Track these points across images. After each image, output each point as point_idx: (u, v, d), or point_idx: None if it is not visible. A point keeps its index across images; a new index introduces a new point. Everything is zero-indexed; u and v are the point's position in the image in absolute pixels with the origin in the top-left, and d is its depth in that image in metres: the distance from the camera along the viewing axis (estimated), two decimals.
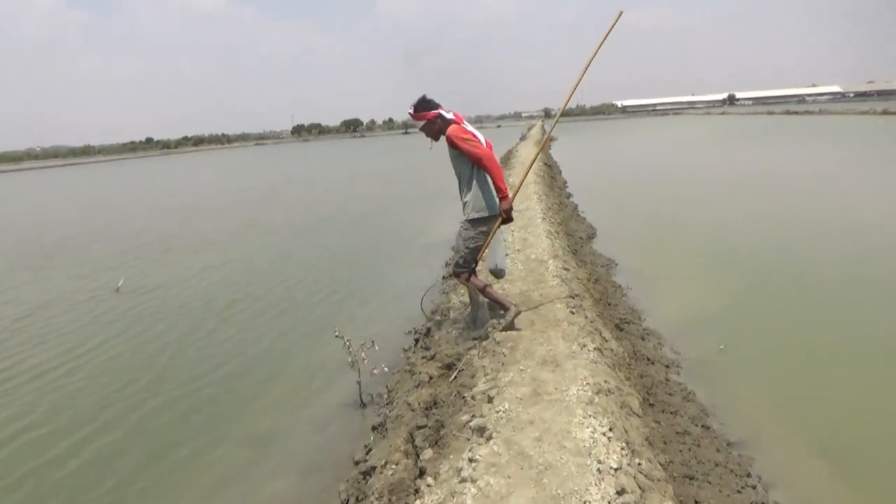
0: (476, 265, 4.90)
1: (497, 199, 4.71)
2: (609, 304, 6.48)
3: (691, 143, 37.92)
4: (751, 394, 4.72)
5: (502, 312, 4.87)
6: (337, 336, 4.54)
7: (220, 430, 4.69)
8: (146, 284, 9.99)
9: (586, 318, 5.11)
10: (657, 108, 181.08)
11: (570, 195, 16.88)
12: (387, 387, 4.84)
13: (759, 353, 5.45)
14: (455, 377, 4.38)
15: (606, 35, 4.68)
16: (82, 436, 4.87)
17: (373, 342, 4.71)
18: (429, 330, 5.77)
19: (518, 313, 4.77)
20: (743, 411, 4.45)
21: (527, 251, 7.55)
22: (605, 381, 3.79)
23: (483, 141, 4.71)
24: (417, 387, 4.25)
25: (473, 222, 4.72)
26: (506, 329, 4.74)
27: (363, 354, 4.57)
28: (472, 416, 3.58)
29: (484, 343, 4.84)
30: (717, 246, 9.78)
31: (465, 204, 4.70)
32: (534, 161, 5.35)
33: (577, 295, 5.72)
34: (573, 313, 5.08)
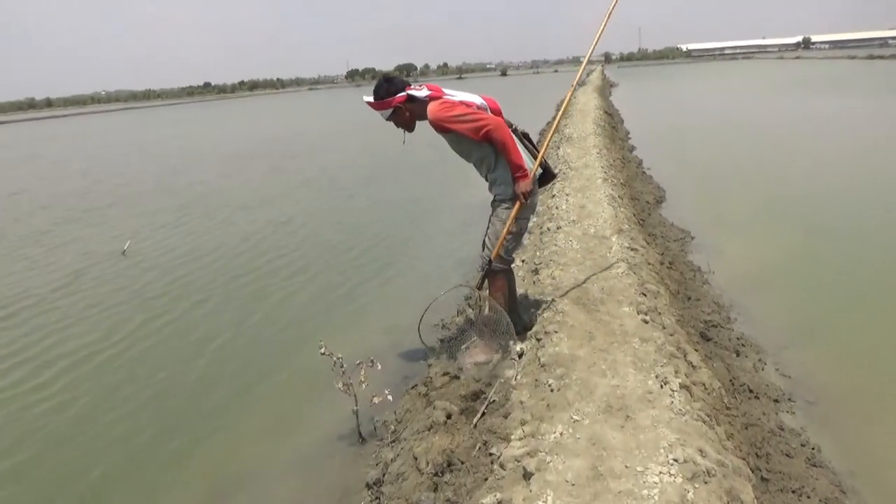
0: (513, 259, 3.68)
1: (531, 161, 3.61)
2: (689, 299, 5.13)
3: (768, 90, 34.73)
4: None
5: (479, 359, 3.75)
6: (323, 353, 3.39)
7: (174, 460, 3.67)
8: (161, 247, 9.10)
9: (664, 328, 3.81)
10: (725, 51, 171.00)
11: (633, 148, 15.16)
12: (395, 413, 3.70)
13: None
14: (481, 416, 3.19)
15: None
16: None
17: (372, 360, 3.53)
18: (461, 331, 4.59)
19: (495, 365, 3.71)
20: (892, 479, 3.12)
21: (584, 223, 6.20)
22: (701, 452, 2.54)
23: (481, 103, 3.50)
24: (430, 430, 3.09)
25: (514, 200, 3.50)
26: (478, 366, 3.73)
27: (362, 375, 3.41)
28: (499, 501, 2.40)
29: (523, 361, 3.63)
30: (826, 218, 8.10)
31: (493, 181, 3.50)
32: (556, 124, 4.22)
33: (649, 291, 4.41)
34: (646, 322, 3.79)
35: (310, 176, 14.95)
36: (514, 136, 3.46)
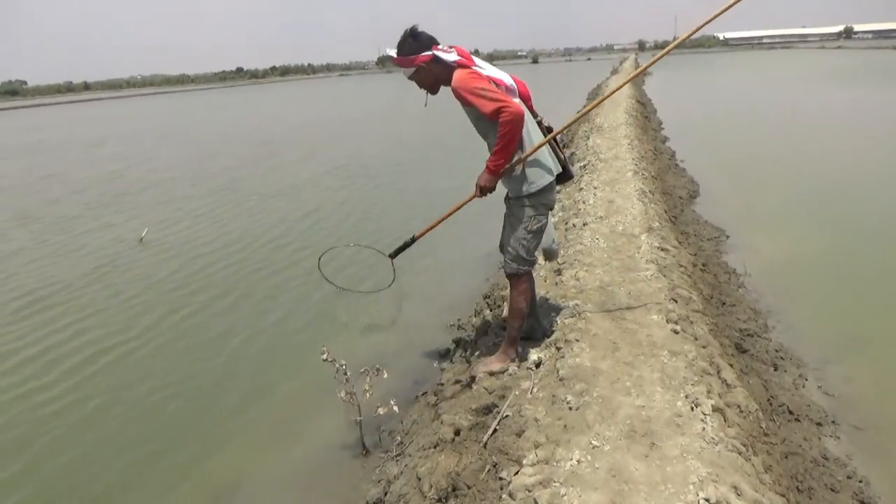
0: (535, 260, 3.38)
1: (553, 157, 3.29)
2: (723, 304, 4.78)
3: (807, 80, 33.53)
4: None
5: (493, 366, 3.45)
6: (325, 359, 3.15)
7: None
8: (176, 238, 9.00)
9: (695, 339, 3.50)
10: (763, 41, 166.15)
11: (665, 139, 14.65)
12: (402, 423, 3.47)
13: None
14: (492, 434, 2.94)
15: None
16: None
17: (378, 368, 3.29)
18: (481, 331, 4.34)
19: (504, 371, 3.41)
20: None
21: (612, 219, 5.88)
22: (735, 490, 2.26)
23: (510, 84, 3.15)
24: (436, 447, 2.85)
25: (533, 196, 3.19)
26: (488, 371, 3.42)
27: (367, 383, 3.17)
28: None
29: (541, 372, 3.36)
30: (872, 217, 7.60)
31: (506, 173, 3.16)
32: (584, 113, 3.83)
33: (680, 296, 4.09)
34: (677, 332, 3.48)
35: (340, 163, 14.69)
36: (529, 132, 3.12)
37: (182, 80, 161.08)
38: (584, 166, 8.97)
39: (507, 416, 3.07)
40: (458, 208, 3.32)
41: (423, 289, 5.76)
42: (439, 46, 3.11)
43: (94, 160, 18.86)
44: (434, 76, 3.15)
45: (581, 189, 7.42)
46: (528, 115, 3.19)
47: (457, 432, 2.91)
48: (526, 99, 3.28)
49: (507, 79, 3.13)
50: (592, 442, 2.57)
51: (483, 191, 3.14)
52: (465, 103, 3.00)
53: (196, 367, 4.73)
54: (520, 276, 3.30)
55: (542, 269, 5.11)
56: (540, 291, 4.61)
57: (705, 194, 9.13)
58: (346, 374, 3.17)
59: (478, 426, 3.01)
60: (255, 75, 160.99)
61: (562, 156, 3.35)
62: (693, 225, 7.09)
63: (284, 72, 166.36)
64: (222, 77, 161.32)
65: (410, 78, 3.19)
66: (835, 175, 10.15)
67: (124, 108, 60.43)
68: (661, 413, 2.72)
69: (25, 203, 12.06)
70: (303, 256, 7.28)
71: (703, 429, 2.61)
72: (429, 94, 3.28)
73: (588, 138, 11.82)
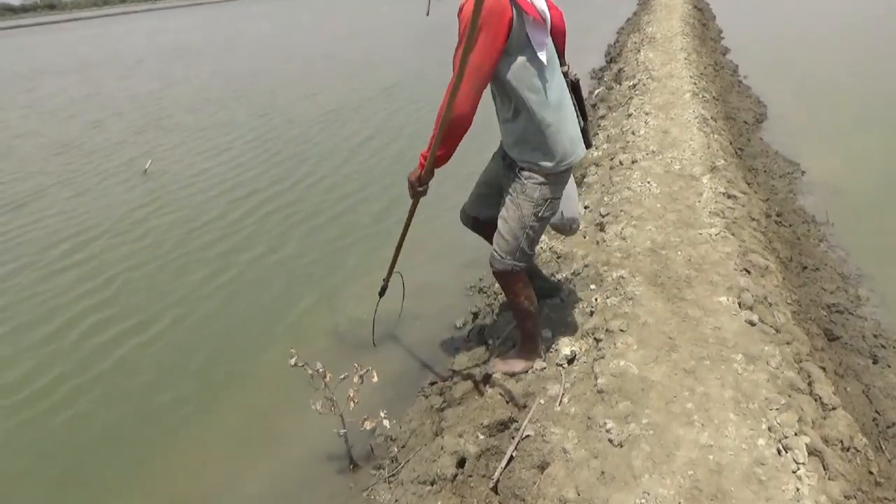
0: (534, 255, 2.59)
1: (577, 132, 2.40)
2: (804, 269, 3.91)
3: None
4: None
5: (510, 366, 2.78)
6: (295, 365, 2.46)
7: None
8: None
9: (776, 332, 2.71)
10: None
11: (726, 51, 13.08)
12: (400, 428, 2.83)
13: None
14: (507, 464, 2.27)
15: None
16: None
17: (368, 370, 2.58)
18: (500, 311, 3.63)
19: (526, 370, 2.74)
20: None
21: (667, 155, 4.95)
22: None
23: (542, 13, 2.16)
24: (433, 485, 2.20)
25: (555, 176, 2.34)
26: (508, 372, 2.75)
27: (352, 392, 2.49)
28: None
29: (574, 373, 2.64)
30: None
31: (516, 135, 2.27)
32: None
33: (755, 265, 3.26)
34: (753, 323, 2.69)
35: (394, 80, 13.01)
36: (549, 89, 2.20)
37: None
38: (634, 86, 7.86)
39: (527, 435, 2.39)
40: (408, 224, 2.73)
41: (439, 240, 4.89)
42: None
43: (135, 79, 17.93)
44: None
45: (630, 115, 6.41)
46: (553, 64, 2.29)
47: (461, 462, 2.26)
48: (558, 35, 2.34)
49: (540, 3, 2.19)
50: (639, 500, 1.88)
51: (412, 187, 2.34)
52: (459, 39, 2.08)
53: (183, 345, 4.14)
54: (515, 275, 2.48)
55: (581, 222, 4.29)
56: (580, 251, 3.84)
57: (774, 118, 7.95)
58: (324, 378, 2.50)
59: (489, 452, 2.35)
60: None
61: (582, 123, 2.46)
62: (762, 158, 6.07)
63: None
64: None
65: None
66: None
67: (161, 20, 58.93)
68: (737, 459, 1.99)
69: (65, 129, 11.27)
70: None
71: (797, 488, 1.88)
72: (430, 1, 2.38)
73: (638, 51, 10.51)
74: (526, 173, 2.29)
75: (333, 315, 4.06)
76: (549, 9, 2.23)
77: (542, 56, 2.16)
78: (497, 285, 3.73)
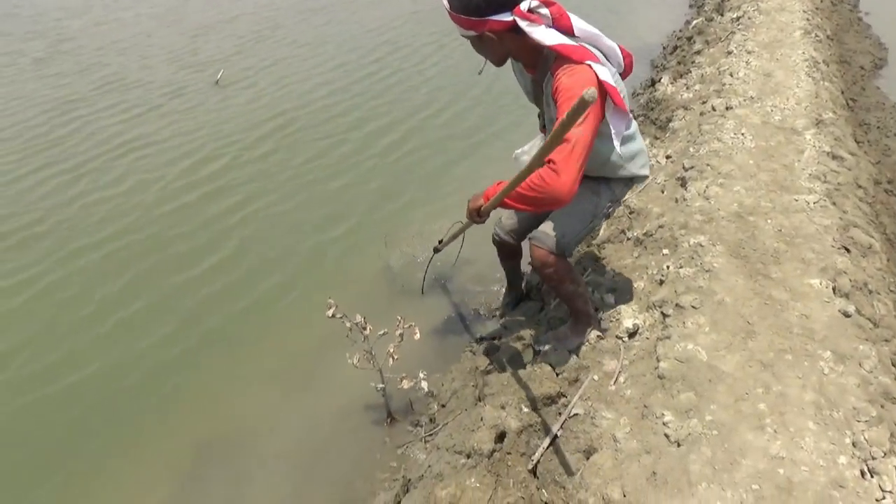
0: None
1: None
2: None
3: None
4: None
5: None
6: (332, 316, 2.32)
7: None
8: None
9: (874, 326, 2.38)
10: None
11: None
12: (443, 385, 2.70)
13: None
14: (549, 445, 2.11)
15: None
16: None
17: (411, 325, 2.42)
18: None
19: (580, 345, 2.53)
20: None
21: (768, 103, 4.43)
22: None
23: (619, 66, 2.04)
24: (468, 458, 2.07)
25: (624, 182, 2.34)
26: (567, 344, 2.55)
27: (392, 348, 2.36)
28: None
29: (633, 350, 2.42)
30: None
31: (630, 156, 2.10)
32: None
33: (857, 243, 2.88)
34: (848, 315, 2.37)
35: None
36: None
37: None
38: (738, 19, 7.08)
39: (575, 414, 2.22)
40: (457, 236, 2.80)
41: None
42: (523, 8, 1.83)
43: None
44: (505, 50, 1.99)
45: (729, 53, 5.77)
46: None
47: (500, 437, 2.10)
48: (627, 68, 2.11)
49: (616, 56, 2.01)
50: None
51: (472, 217, 2.25)
52: (555, 102, 1.84)
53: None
54: (552, 265, 2.24)
55: (659, 174, 3.93)
56: (655, 208, 3.51)
57: (895, 64, 7.06)
58: (364, 332, 2.37)
59: (531, 428, 2.19)
60: None
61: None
62: (876, 112, 5.38)
63: None
64: None
65: (466, 37, 1.97)
66: None
67: None
68: (811, 477, 1.76)
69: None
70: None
71: None
72: (485, 62, 2.07)
73: None
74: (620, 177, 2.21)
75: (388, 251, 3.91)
76: (624, 57, 2.06)
77: (617, 144, 1.98)
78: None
